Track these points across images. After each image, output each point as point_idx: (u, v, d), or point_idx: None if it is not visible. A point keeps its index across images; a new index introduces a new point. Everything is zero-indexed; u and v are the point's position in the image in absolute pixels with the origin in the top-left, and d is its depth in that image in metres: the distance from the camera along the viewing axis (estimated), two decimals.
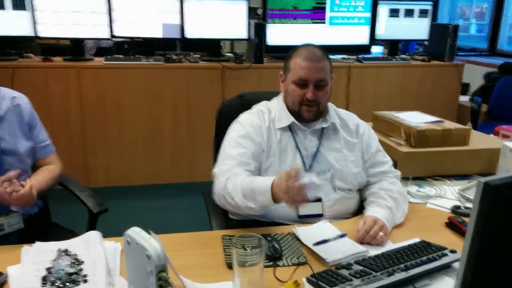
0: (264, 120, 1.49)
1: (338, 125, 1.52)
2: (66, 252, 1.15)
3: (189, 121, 3.35)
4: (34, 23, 3.05)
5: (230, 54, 3.76)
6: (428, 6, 3.87)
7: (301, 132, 1.48)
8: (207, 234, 1.37)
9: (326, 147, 1.48)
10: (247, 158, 1.41)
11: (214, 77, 3.31)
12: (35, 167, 1.59)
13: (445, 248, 1.17)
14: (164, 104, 3.29)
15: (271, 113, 1.51)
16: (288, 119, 1.48)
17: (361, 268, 1.06)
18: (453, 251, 1.16)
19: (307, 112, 1.45)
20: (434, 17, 3.99)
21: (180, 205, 3.12)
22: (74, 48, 3.29)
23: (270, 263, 1.13)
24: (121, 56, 3.43)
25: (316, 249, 1.20)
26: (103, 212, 1.53)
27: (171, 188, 3.37)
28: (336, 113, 1.54)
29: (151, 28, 3.27)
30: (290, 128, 1.48)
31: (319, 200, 1.42)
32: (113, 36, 3.24)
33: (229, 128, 1.52)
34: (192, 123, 3.35)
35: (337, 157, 1.48)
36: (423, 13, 3.86)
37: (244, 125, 1.49)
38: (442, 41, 3.82)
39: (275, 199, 1.20)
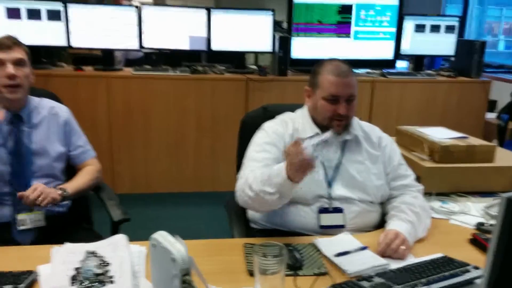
0: (287, 128, 1.52)
1: (361, 138, 1.53)
2: (93, 253, 1.19)
3: (212, 131, 3.41)
4: (68, 33, 3.18)
5: (254, 67, 3.82)
6: (455, 22, 3.84)
7: (325, 143, 1.50)
8: (229, 242, 1.40)
9: (349, 159, 1.49)
10: (271, 162, 1.43)
11: (238, 89, 3.37)
12: (76, 171, 1.69)
13: (468, 264, 1.16)
14: (189, 114, 3.35)
15: (295, 123, 1.53)
16: (312, 130, 1.49)
17: (382, 280, 1.07)
18: (476, 268, 1.14)
19: (338, 127, 1.47)
20: (461, 33, 3.96)
21: (202, 213, 3.16)
22: (105, 58, 3.41)
23: (291, 272, 1.14)
24: (149, 66, 3.53)
25: (337, 260, 1.21)
26: (124, 221, 1.57)
27: (194, 196, 3.42)
28: (359, 126, 1.56)
29: (179, 40, 3.36)
30: None
31: (340, 210, 1.43)
32: (142, 47, 3.34)
33: (253, 136, 1.55)
34: (216, 134, 3.41)
35: (359, 169, 1.49)
36: (449, 28, 3.83)
37: (268, 132, 1.52)
38: (469, 57, 3.77)
39: (290, 177, 1.21)
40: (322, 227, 1.42)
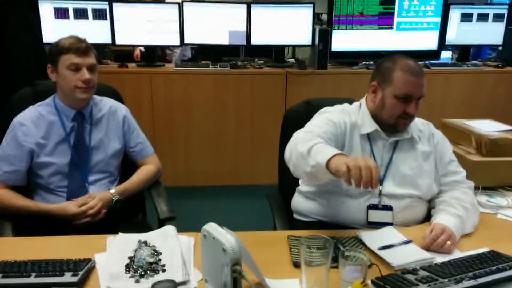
0: (350, 119, 1.49)
1: (416, 136, 1.51)
2: (146, 243, 1.26)
3: (252, 125, 3.45)
4: (113, 31, 3.30)
5: (292, 60, 3.81)
6: (504, 10, 3.68)
7: (381, 140, 1.48)
8: (272, 234, 1.43)
9: (401, 157, 1.48)
10: (331, 136, 1.42)
11: (277, 83, 3.38)
12: (136, 167, 1.77)
13: None
14: (229, 109, 3.41)
15: (352, 117, 1.51)
16: (372, 126, 1.48)
17: (427, 274, 1.07)
18: None
19: (403, 125, 1.45)
20: (510, 21, 3.79)
21: (241, 207, 3.22)
22: (147, 55, 3.52)
23: (335, 264, 1.16)
24: (189, 62, 3.61)
25: (381, 253, 1.21)
26: (170, 220, 1.62)
27: (233, 190, 3.48)
28: (415, 124, 1.53)
29: (218, 35, 3.41)
30: (368, 135, 1.49)
31: (390, 209, 1.43)
32: (183, 43, 3.42)
33: (314, 116, 1.53)
34: (255, 127, 3.45)
35: (411, 165, 1.47)
36: (497, 17, 3.67)
37: (335, 114, 1.49)
38: None
39: (330, 165, 1.15)
40: (370, 223, 1.43)
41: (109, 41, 3.33)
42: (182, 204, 3.14)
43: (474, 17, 3.66)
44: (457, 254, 1.23)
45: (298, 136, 1.36)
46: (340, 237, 1.31)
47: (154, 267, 1.14)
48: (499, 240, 1.33)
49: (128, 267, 1.14)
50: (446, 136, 1.58)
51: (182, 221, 1.62)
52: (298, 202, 1.62)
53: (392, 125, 1.45)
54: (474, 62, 3.82)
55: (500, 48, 3.90)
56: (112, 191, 1.62)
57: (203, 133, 3.44)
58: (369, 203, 1.45)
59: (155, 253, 1.20)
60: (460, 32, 3.67)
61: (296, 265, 1.17)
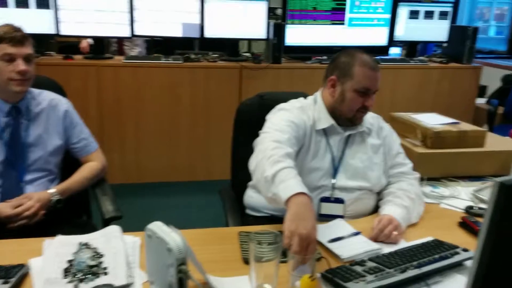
0: (308, 118, 1.48)
1: (367, 129, 1.53)
2: (86, 245, 1.18)
3: (206, 119, 3.39)
4: (57, 21, 3.12)
5: (248, 54, 3.79)
6: (449, 8, 3.84)
7: (337, 135, 1.49)
8: (223, 230, 1.40)
9: (353, 151, 1.50)
10: (295, 141, 1.39)
11: (232, 77, 3.35)
12: (80, 164, 1.67)
13: (457, 247, 1.18)
14: (182, 103, 3.33)
15: (309, 113, 1.49)
16: (328, 121, 1.48)
17: (374, 264, 1.08)
18: (465, 250, 1.17)
19: (360, 118, 1.48)
20: (453, 19, 3.96)
21: (196, 203, 3.16)
22: (95, 47, 3.37)
23: (286, 259, 1.15)
24: (138, 54, 3.49)
25: (331, 246, 1.22)
26: (115, 219, 1.54)
27: (187, 186, 3.42)
28: (366, 117, 1.54)
29: (171, 27, 3.32)
30: (324, 130, 1.49)
31: (341, 201, 1.44)
32: (133, 35, 3.30)
33: (272, 114, 1.49)
34: (210, 122, 3.40)
35: (362, 158, 1.49)
36: (443, 15, 3.82)
37: (294, 113, 1.46)
38: (461, 43, 3.78)
39: (288, 205, 1.11)
40: (322, 215, 1.44)
41: (53, 31, 3.15)
42: (132, 202, 3.04)
43: (421, 15, 3.79)
44: (403, 244, 1.26)
45: (266, 148, 1.29)
46: None
47: (95, 270, 1.08)
48: (443, 229, 1.37)
49: (66, 272, 1.07)
50: (394, 129, 1.62)
51: (133, 220, 1.55)
52: (250, 197, 1.60)
53: (350, 118, 1.46)
54: (420, 58, 3.96)
55: (444, 44, 4.07)
56: (52, 190, 1.52)
57: (155, 128, 3.35)
58: (322, 196, 1.45)
59: (97, 256, 1.13)
60: (408, 28, 3.79)
61: (247, 261, 1.15)
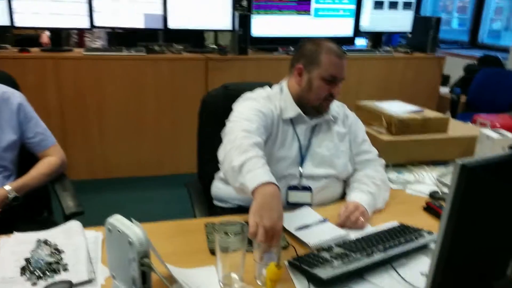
0: (275, 106, 1.46)
1: (333, 118, 1.53)
2: (45, 242, 1.14)
3: (172, 113, 3.33)
4: (11, 12, 2.97)
5: (214, 46, 3.74)
6: None
7: (304, 124, 1.48)
8: (191, 222, 1.37)
9: (320, 139, 1.49)
10: (263, 130, 1.36)
11: (197, 69, 3.29)
12: (37, 160, 1.59)
13: (422, 230, 1.20)
14: (147, 96, 3.26)
15: (276, 103, 1.48)
16: (295, 110, 1.46)
17: (341, 250, 1.08)
18: (429, 233, 1.19)
19: (327, 107, 1.47)
20: (417, 10, 4.04)
21: (163, 197, 3.11)
22: (53, 39, 3.23)
23: (252, 248, 1.14)
24: (100, 47, 3.37)
25: (298, 234, 1.21)
26: (77, 215, 1.49)
27: (154, 180, 3.35)
28: (331, 106, 1.53)
29: (133, 18, 3.23)
30: (291, 119, 1.47)
31: (309, 189, 1.44)
32: (93, 26, 3.18)
33: (237, 103, 1.46)
34: (176, 115, 3.33)
35: (329, 146, 1.49)
36: (407, 5, 3.89)
37: (260, 102, 1.44)
38: (425, 34, 3.87)
39: (255, 195, 1.09)
40: (290, 204, 1.43)
41: (7, 23, 3.00)
42: (98, 198, 2.96)
43: (386, 5, 3.85)
44: (369, 229, 1.27)
45: (235, 138, 1.26)
46: None
47: (54, 267, 1.03)
48: (408, 214, 1.40)
49: (23, 270, 1.02)
50: (360, 118, 1.62)
51: (98, 216, 1.48)
52: (218, 188, 1.58)
53: (316, 107, 1.46)
54: (386, 48, 4.03)
55: (409, 35, 4.15)
56: (8, 187, 1.45)
57: (120, 123, 3.25)
58: (290, 185, 1.44)
59: (56, 252, 1.09)
60: (373, 19, 3.84)
61: (213, 252, 1.12)
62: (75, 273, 1.02)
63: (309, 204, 1.43)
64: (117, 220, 0.93)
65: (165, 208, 2.95)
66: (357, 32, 3.79)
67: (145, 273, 0.89)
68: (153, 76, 3.23)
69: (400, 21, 3.92)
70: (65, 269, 1.03)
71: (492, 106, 3.63)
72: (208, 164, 1.65)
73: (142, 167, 3.37)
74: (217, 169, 1.58)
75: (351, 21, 3.71)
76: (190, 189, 1.69)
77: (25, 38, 3.73)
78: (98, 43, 4.01)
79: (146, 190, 3.21)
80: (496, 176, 0.77)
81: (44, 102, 3.06)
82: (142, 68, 3.20)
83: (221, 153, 1.30)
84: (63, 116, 3.13)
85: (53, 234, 1.18)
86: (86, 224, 1.26)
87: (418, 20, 3.97)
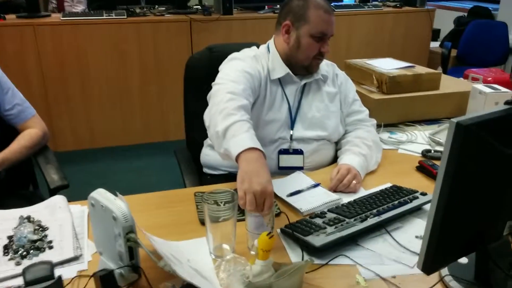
0: (262, 66, 1.40)
1: (323, 77, 1.47)
2: (28, 218, 1.10)
3: (158, 77, 3.23)
4: None
5: (198, 6, 3.59)
6: None
7: (293, 84, 1.42)
8: (180, 192, 1.34)
9: (309, 100, 1.45)
10: (250, 91, 1.31)
11: (181, 31, 3.17)
12: (18, 132, 1.53)
13: (416, 191, 1.18)
14: (130, 61, 3.15)
15: (263, 63, 1.42)
16: (284, 70, 1.40)
17: (334, 215, 1.06)
18: (423, 194, 1.17)
19: (317, 65, 1.41)
20: None
21: (153, 165, 3.07)
22: (29, 4, 3.06)
23: (243, 217, 1.11)
24: (79, 11, 3.22)
25: (290, 200, 1.19)
26: (62, 188, 1.44)
27: (143, 148, 3.30)
28: (321, 65, 1.47)
29: None
30: (280, 79, 1.42)
31: (300, 152, 1.40)
32: None
33: (224, 64, 1.39)
34: (161, 79, 3.24)
35: (319, 107, 1.45)
36: None
37: (247, 62, 1.37)
38: None
39: (239, 161, 1.04)
40: (281, 168, 1.39)
41: None
42: (85, 169, 2.91)
43: None
44: (362, 192, 1.25)
45: (220, 101, 1.19)
46: None
47: (38, 245, 1.00)
48: (401, 175, 1.37)
49: (6, 249, 0.99)
50: (350, 77, 1.57)
51: (85, 188, 1.44)
52: (206, 155, 1.54)
53: (306, 66, 1.40)
54: (374, 3, 3.90)
55: None
56: None
57: (104, 90, 3.16)
58: (280, 148, 1.40)
59: (40, 229, 1.05)
60: None
61: (203, 223, 1.09)
62: (60, 250, 0.99)
63: (301, 168, 1.39)
64: (100, 194, 0.89)
65: (155, 177, 2.91)
66: None
67: (132, 248, 0.86)
68: (136, 40, 3.11)
69: None
70: (50, 247, 1.00)
71: (483, 60, 3.58)
72: (196, 130, 1.60)
73: (129, 135, 3.31)
74: (205, 135, 1.53)
75: None
76: (179, 157, 1.65)
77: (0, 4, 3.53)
78: (79, 8, 3.83)
79: (134, 160, 3.16)
80: (492, 134, 0.74)
81: (24, 72, 2.94)
82: (124, 32, 3.07)
83: (207, 117, 1.24)
84: (44, 86, 3.02)
85: (37, 210, 1.14)
86: (74, 197, 1.23)
87: None
